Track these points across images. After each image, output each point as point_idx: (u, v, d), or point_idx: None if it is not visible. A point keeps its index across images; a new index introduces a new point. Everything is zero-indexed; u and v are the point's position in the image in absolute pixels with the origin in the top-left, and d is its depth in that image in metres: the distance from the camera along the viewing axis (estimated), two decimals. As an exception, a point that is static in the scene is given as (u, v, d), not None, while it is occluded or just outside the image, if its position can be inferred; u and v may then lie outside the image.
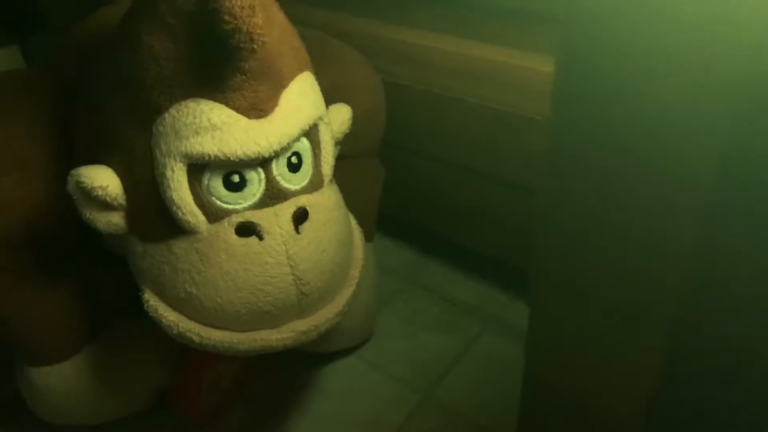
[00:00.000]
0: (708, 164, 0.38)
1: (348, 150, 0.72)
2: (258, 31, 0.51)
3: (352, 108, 0.71)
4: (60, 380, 0.76)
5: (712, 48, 0.35)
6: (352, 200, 0.71)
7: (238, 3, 0.49)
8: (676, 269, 0.41)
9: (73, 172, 0.58)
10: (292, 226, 0.59)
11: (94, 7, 0.78)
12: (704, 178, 0.38)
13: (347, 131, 0.70)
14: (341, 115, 0.69)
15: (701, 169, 0.38)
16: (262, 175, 0.58)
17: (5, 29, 1.51)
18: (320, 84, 0.64)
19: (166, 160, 0.56)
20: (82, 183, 0.57)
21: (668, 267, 0.41)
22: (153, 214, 0.59)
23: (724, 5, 0.34)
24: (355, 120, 0.71)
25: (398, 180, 0.99)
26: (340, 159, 0.67)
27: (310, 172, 0.62)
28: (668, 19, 0.36)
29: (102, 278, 0.77)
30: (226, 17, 0.49)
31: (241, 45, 0.51)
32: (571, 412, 0.52)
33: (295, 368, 0.92)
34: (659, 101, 0.38)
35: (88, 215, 0.59)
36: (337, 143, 0.68)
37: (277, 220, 0.58)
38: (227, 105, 0.55)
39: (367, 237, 0.81)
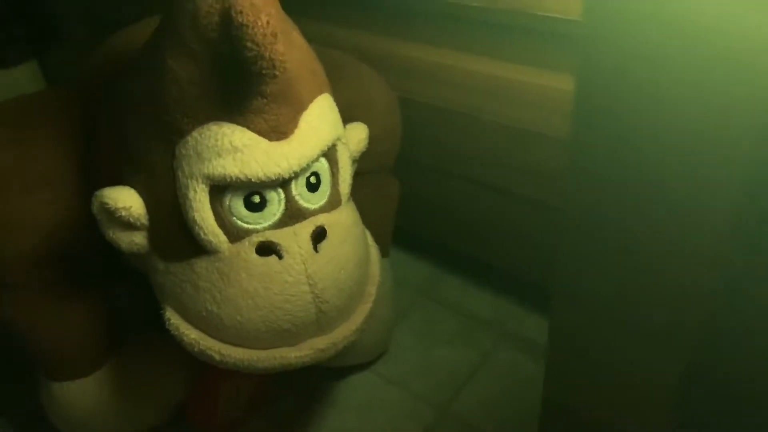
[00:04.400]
0: (733, 180, 0.37)
1: (364, 166, 0.72)
2: (280, 58, 0.52)
3: (368, 124, 0.72)
4: (81, 395, 0.77)
5: (739, 62, 0.35)
6: (367, 216, 0.71)
7: (261, 30, 0.50)
8: (702, 290, 0.41)
9: (97, 193, 0.59)
10: (310, 245, 0.60)
11: (113, 24, 0.79)
12: (729, 194, 0.38)
13: (364, 150, 0.71)
14: (358, 134, 0.70)
15: (726, 185, 0.37)
16: (282, 196, 0.59)
17: (24, 45, 1.54)
18: (336, 101, 0.65)
19: (189, 181, 0.57)
20: (106, 204, 0.58)
21: (693, 288, 0.41)
22: (175, 233, 0.60)
23: (750, 19, 0.34)
24: (371, 136, 0.71)
25: (414, 195, 0.99)
26: (355, 175, 0.68)
27: (328, 192, 0.63)
28: (691, 33, 0.36)
29: (123, 295, 0.78)
30: (249, 44, 0.50)
31: (264, 71, 0.52)
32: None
33: (311, 383, 0.92)
34: (682, 117, 0.38)
35: (111, 235, 0.60)
36: (354, 161, 0.69)
37: (296, 239, 0.59)
38: (248, 128, 0.56)
39: (383, 252, 0.81)
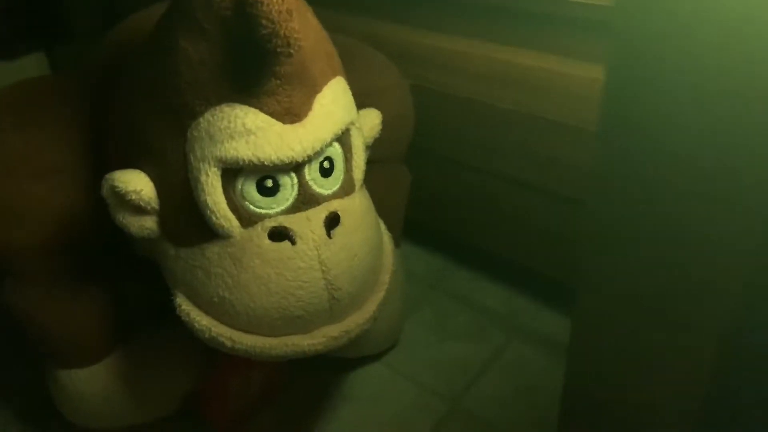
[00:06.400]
0: (765, 171, 0.36)
1: (375, 154, 0.71)
2: (295, 36, 0.51)
3: (380, 112, 0.71)
4: (89, 383, 0.76)
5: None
6: (379, 206, 0.70)
7: (276, 7, 0.49)
8: (731, 278, 0.40)
9: (107, 176, 0.58)
10: (324, 231, 0.59)
11: (121, 16, 0.78)
12: (761, 185, 0.37)
13: (377, 136, 0.70)
14: (371, 120, 0.69)
15: (757, 176, 0.37)
16: (295, 180, 0.58)
17: (32, 37, 1.54)
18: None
19: (201, 164, 0.56)
20: (116, 187, 0.57)
21: (722, 276, 0.40)
22: (186, 218, 0.59)
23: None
24: (383, 125, 0.70)
25: (426, 186, 0.98)
26: (368, 164, 0.67)
27: (342, 177, 0.62)
28: (728, 20, 0.35)
29: (131, 283, 0.77)
30: (264, 21, 0.49)
31: (278, 49, 0.51)
32: (617, 428, 0.50)
33: (322, 375, 0.91)
34: (717, 108, 0.37)
35: (121, 219, 0.60)
36: (367, 148, 0.68)
37: (309, 224, 0.58)
38: (262, 110, 0.55)
39: (394, 243, 0.80)
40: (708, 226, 0.40)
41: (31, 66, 1.55)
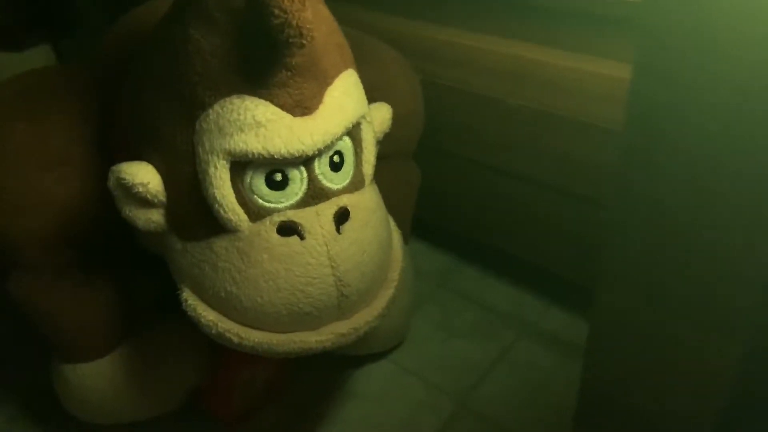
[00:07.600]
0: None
1: (385, 150, 0.71)
2: (308, 26, 0.50)
3: (391, 107, 0.70)
4: (94, 378, 0.76)
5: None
6: (388, 202, 0.70)
7: (288, -3, 0.48)
8: (754, 280, 0.39)
9: (114, 168, 0.57)
10: (333, 227, 0.58)
11: (128, 7, 0.78)
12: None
13: (388, 130, 0.69)
14: (382, 114, 0.68)
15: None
16: (305, 174, 0.57)
17: (38, 29, 1.53)
18: (359, 83, 0.63)
19: (209, 157, 0.55)
20: (123, 179, 0.57)
21: (745, 278, 0.39)
22: (194, 211, 0.58)
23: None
24: (393, 120, 0.70)
25: (434, 182, 0.97)
26: (377, 159, 0.66)
27: (352, 172, 0.61)
28: (754, 22, 0.34)
29: (138, 277, 0.77)
30: (276, 11, 0.48)
31: (291, 40, 0.50)
32: (635, 430, 0.50)
33: (328, 371, 0.91)
34: (741, 108, 0.36)
35: (127, 212, 0.59)
36: (378, 142, 0.67)
37: (318, 219, 0.57)
38: (272, 102, 0.54)
39: (404, 239, 0.80)
40: (731, 227, 0.39)
41: (37, 58, 1.55)
